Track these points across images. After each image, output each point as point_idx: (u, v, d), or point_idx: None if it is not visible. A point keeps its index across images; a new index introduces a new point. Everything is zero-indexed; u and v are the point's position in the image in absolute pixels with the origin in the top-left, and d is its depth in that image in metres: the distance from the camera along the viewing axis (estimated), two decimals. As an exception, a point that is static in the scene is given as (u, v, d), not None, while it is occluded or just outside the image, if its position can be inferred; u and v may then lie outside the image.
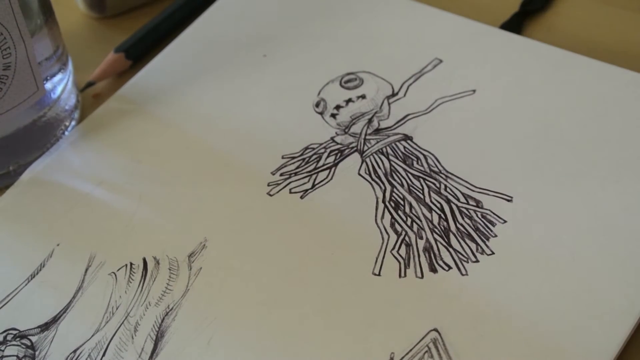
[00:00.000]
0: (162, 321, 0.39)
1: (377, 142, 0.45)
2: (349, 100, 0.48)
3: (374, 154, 0.44)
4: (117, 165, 0.46)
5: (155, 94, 0.50)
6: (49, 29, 0.46)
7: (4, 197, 0.46)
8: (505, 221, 0.40)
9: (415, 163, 0.44)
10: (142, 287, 0.40)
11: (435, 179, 0.43)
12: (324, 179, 0.44)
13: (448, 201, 0.42)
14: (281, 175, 0.44)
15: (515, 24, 0.52)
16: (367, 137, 0.45)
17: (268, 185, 0.44)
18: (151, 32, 0.54)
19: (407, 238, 0.40)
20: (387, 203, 0.42)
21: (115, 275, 0.41)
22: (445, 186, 0.42)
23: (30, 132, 0.46)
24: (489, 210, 0.41)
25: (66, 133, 0.48)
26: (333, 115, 0.47)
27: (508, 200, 0.41)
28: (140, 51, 0.54)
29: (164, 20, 0.55)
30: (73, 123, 0.49)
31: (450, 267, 0.39)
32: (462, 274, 0.39)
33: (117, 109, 0.49)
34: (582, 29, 0.51)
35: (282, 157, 0.45)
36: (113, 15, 0.58)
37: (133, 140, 0.47)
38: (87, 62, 0.53)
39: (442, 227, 0.41)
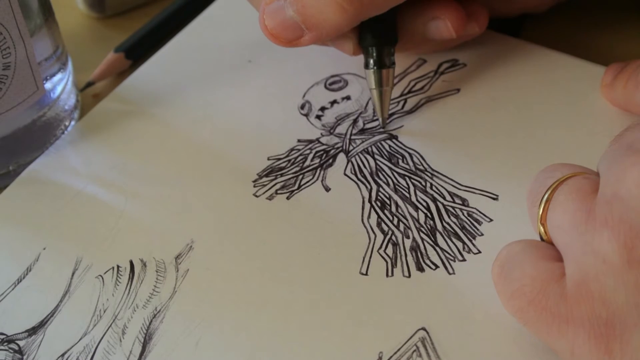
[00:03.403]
0: (150, 323, 0.39)
1: (362, 141, 0.45)
2: (333, 102, 0.48)
3: (360, 154, 0.45)
4: (103, 167, 0.46)
5: (145, 97, 0.50)
6: (49, 28, 0.46)
7: None
8: (491, 220, 0.40)
9: (400, 162, 0.44)
10: (129, 290, 0.40)
11: (421, 178, 0.43)
12: (310, 180, 0.44)
13: (434, 200, 0.42)
14: (267, 176, 0.44)
15: (515, 23, 0.52)
16: (352, 137, 0.46)
17: (254, 186, 0.44)
18: (151, 32, 0.55)
19: (393, 237, 0.40)
20: (373, 202, 0.42)
21: (102, 278, 0.41)
22: (431, 184, 0.42)
23: (30, 132, 0.46)
24: (475, 208, 0.41)
25: (66, 133, 0.48)
26: (318, 117, 0.47)
27: (494, 199, 0.41)
28: (140, 51, 0.54)
29: (163, 20, 0.55)
30: (73, 123, 0.49)
31: (437, 266, 0.39)
32: (449, 273, 0.39)
33: (111, 109, 0.50)
34: (580, 29, 0.51)
35: (268, 159, 0.45)
36: (113, 15, 0.58)
37: (120, 141, 0.47)
38: (87, 62, 0.53)
39: (429, 226, 0.41)
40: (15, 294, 0.41)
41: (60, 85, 0.48)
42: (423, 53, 0.49)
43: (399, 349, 0.36)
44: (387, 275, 0.39)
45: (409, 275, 0.39)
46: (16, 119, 0.45)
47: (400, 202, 0.42)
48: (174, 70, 0.51)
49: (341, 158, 0.45)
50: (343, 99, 0.48)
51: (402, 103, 0.47)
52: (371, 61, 0.44)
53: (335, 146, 0.45)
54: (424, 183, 0.43)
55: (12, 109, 0.44)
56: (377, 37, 0.43)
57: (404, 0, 0.41)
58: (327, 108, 0.47)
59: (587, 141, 0.43)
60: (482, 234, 0.40)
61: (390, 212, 0.42)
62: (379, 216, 0.41)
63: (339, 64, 0.50)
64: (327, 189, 0.43)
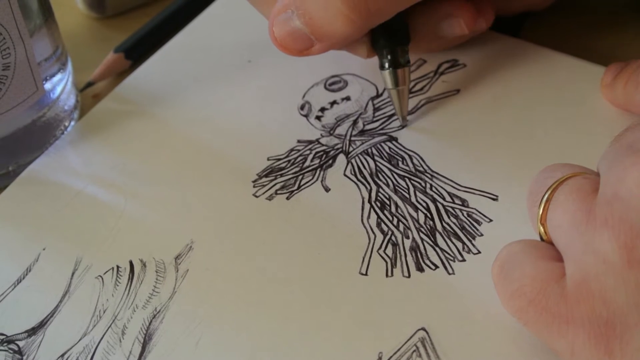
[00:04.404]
0: (150, 324, 0.39)
1: (362, 143, 0.45)
2: (333, 103, 0.48)
3: (359, 155, 0.45)
4: (103, 167, 0.46)
5: (145, 97, 0.50)
6: (49, 29, 0.46)
7: None
8: (491, 220, 0.40)
9: (400, 163, 0.44)
10: (129, 290, 0.40)
11: (421, 179, 0.43)
12: (310, 180, 0.44)
13: (434, 200, 0.42)
14: (267, 176, 0.44)
15: (515, 23, 0.52)
16: (352, 138, 0.46)
17: (254, 186, 0.44)
18: (151, 32, 0.55)
19: (393, 238, 0.40)
20: (373, 203, 0.42)
21: (102, 279, 0.41)
22: (431, 185, 0.42)
23: (30, 132, 0.46)
24: (475, 209, 0.41)
25: (66, 133, 0.48)
26: (318, 118, 0.47)
27: (493, 199, 0.41)
28: (139, 51, 0.54)
29: (163, 20, 0.55)
30: (72, 123, 0.49)
31: (437, 267, 0.39)
32: (449, 273, 0.39)
33: (110, 109, 0.50)
34: (580, 29, 0.51)
35: (268, 159, 0.45)
36: (113, 15, 0.58)
37: (120, 141, 0.47)
38: (86, 62, 0.53)
39: (428, 227, 0.41)
40: (15, 294, 0.41)
41: (60, 86, 0.48)
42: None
43: (398, 349, 0.36)
44: (386, 275, 0.39)
45: (409, 276, 0.39)
46: (16, 119, 0.45)
47: (400, 202, 0.42)
48: (174, 70, 0.51)
49: (341, 159, 0.45)
50: (343, 99, 0.48)
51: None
52: (386, 62, 0.44)
53: (335, 147, 0.45)
54: (423, 184, 0.43)
55: (12, 109, 0.44)
56: (390, 39, 0.43)
57: (413, 3, 0.41)
58: (326, 109, 0.47)
59: (587, 141, 0.43)
60: (482, 235, 0.40)
61: (390, 212, 0.42)
62: (378, 216, 0.41)
63: (338, 64, 0.50)
64: (327, 190, 0.43)
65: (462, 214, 0.41)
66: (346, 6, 0.40)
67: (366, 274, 0.39)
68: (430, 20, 0.45)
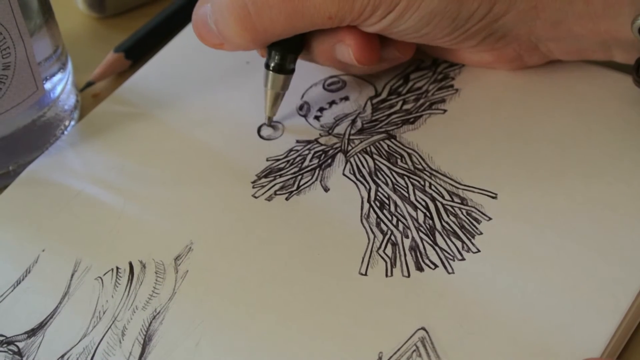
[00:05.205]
0: (150, 325, 0.39)
1: (361, 141, 0.45)
2: (332, 103, 0.48)
3: (358, 154, 0.44)
4: (103, 168, 0.46)
5: (145, 99, 0.50)
6: (49, 28, 0.46)
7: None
8: (490, 218, 0.40)
9: (399, 161, 0.44)
10: (128, 291, 0.40)
11: (420, 177, 0.43)
12: (309, 180, 0.44)
13: (433, 199, 0.42)
14: (266, 177, 0.44)
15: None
16: (351, 137, 0.45)
17: (253, 187, 0.44)
18: (151, 32, 0.55)
19: (393, 237, 0.40)
20: (372, 202, 0.42)
21: (102, 280, 0.41)
22: (430, 184, 0.42)
23: (30, 132, 0.46)
24: (474, 207, 0.41)
25: (65, 133, 0.48)
26: (317, 118, 0.47)
27: (493, 197, 0.41)
28: (139, 51, 0.54)
29: (163, 20, 0.55)
30: (72, 123, 0.49)
31: (436, 266, 0.39)
32: (449, 272, 0.39)
33: (110, 110, 0.50)
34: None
35: (267, 160, 0.45)
36: (113, 15, 0.58)
37: (120, 143, 0.47)
38: (86, 62, 0.53)
39: (428, 226, 0.41)
40: (14, 295, 0.41)
41: (60, 85, 0.48)
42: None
43: (398, 349, 0.36)
44: (386, 275, 0.39)
45: (409, 275, 0.39)
46: (16, 119, 0.45)
47: (399, 201, 0.42)
48: (173, 72, 0.51)
49: (340, 158, 0.45)
50: (341, 99, 0.48)
51: (400, 103, 0.47)
52: (272, 63, 0.44)
53: (334, 146, 0.45)
54: (422, 182, 0.43)
55: (12, 109, 0.44)
56: (281, 44, 0.44)
57: (307, 31, 0.42)
58: (325, 109, 0.47)
59: (586, 140, 0.43)
60: (481, 233, 0.40)
61: (389, 211, 0.42)
62: (378, 216, 0.41)
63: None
64: (326, 189, 0.43)
65: (462, 213, 0.41)
66: (234, 20, 0.41)
67: (366, 274, 0.39)
68: (325, 41, 0.44)
